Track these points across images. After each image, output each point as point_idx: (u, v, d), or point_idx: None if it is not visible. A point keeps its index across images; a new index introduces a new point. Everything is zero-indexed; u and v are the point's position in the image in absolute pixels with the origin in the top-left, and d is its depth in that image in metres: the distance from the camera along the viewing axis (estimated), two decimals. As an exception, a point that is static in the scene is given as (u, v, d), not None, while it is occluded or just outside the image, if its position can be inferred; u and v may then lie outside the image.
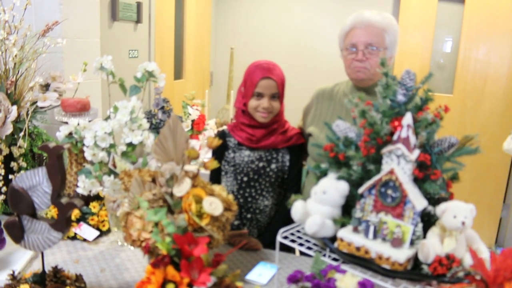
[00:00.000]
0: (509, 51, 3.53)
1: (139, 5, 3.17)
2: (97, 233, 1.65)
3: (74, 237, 1.64)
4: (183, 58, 4.06)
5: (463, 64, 3.68)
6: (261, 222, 1.75)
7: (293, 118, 1.88)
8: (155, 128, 2.39)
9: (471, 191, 3.74)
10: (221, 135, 1.76)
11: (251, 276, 1.45)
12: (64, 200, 1.16)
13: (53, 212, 1.62)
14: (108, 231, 1.70)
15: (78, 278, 1.26)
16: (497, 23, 3.54)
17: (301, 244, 1.24)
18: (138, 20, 3.19)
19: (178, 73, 4.00)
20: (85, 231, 1.64)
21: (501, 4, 3.52)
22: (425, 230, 1.09)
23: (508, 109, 3.58)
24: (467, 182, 3.75)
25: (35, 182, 1.16)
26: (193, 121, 3.17)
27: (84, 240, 1.63)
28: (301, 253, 1.71)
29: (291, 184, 1.74)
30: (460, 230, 1.05)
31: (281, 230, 1.27)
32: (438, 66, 3.91)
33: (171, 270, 0.97)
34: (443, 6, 3.76)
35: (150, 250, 1.11)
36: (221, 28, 4.72)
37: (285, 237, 1.27)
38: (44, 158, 1.83)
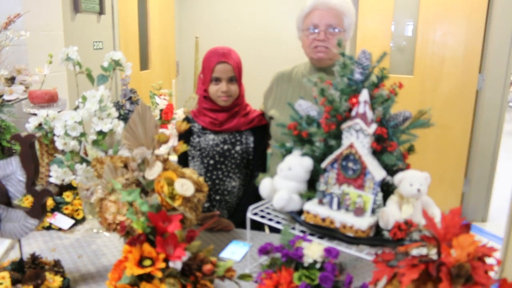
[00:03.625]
0: (464, 33, 3.67)
1: (101, -4, 3.16)
2: (72, 221, 1.67)
3: (49, 227, 1.66)
4: (148, 49, 4.06)
5: (421, 47, 3.81)
6: (230, 203, 1.81)
7: (258, 103, 1.94)
8: (124, 118, 2.40)
9: (433, 168, 3.88)
10: (186, 121, 1.81)
11: (225, 254, 1.51)
12: (38, 187, 1.19)
13: (27, 203, 1.63)
14: (83, 219, 1.72)
15: (56, 263, 1.29)
16: (453, 6, 3.66)
17: (270, 219, 1.30)
18: (101, 12, 3.17)
19: (144, 64, 4.00)
20: (60, 220, 1.66)
21: (456, -13, 3.66)
22: (385, 198, 1.17)
23: (465, 88, 3.73)
24: (429, 159, 3.90)
25: (9, 171, 1.18)
26: (161, 110, 3.19)
27: (60, 229, 1.66)
28: (271, 230, 1.79)
29: (257, 164, 1.80)
30: (416, 197, 1.13)
31: (251, 207, 1.33)
32: (398, 48, 4.03)
33: (147, 247, 1.02)
34: (400, -10, 3.87)
35: (126, 231, 1.16)
36: (185, 17, 4.72)
37: (255, 214, 1.34)
38: (14, 151, 1.84)
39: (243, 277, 1.08)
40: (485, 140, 3.74)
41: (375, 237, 1.13)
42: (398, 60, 4.01)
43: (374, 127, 1.15)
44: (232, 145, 1.76)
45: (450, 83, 3.77)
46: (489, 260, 0.87)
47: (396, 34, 4.01)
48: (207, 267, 1.04)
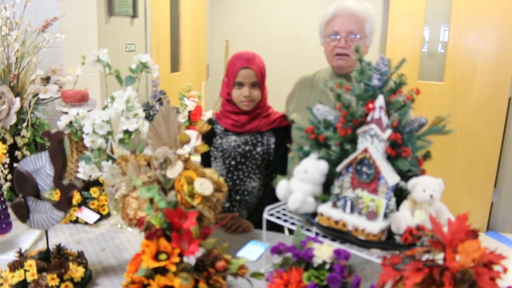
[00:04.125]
0: (497, 38, 3.60)
1: (135, 0, 3.25)
2: (97, 216, 1.74)
3: (76, 221, 1.74)
4: (180, 51, 4.15)
5: (452, 52, 3.76)
6: (249, 203, 1.84)
7: (283, 106, 1.98)
8: (153, 119, 2.48)
9: (462, 177, 3.83)
10: (209, 122, 1.86)
11: (242, 253, 1.55)
12: (65, 181, 1.26)
13: (56, 196, 1.71)
14: (108, 215, 1.80)
15: (80, 255, 1.36)
16: (485, 11, 3.61)
17: (285, 221, 1.34)
18: (134, 15, 3.27)
19: (174, 66, 4.08)
20: (86, 214, 1.73)
21: (489, -8, 3.60)
22: (398, 203, 1.18)
23: (497, 95, 3.66)
24: (459, 167, 3.83)
25: (39, 165, 1.26)
26: (190, 112, 3.27)
27: (86, 223, 1.73)
28: (290, 232, 1.82)
29: (276, 165, 1.83)
30: (429, 203, 1.14)
31: (267, 208, 1.37)
32: (428, 54, 3.99)
33: (163, 242, 1.06)
34: (432, -4, 3.84)
35: (146, 226, 1.21)
36: (216, 21, 4.80)
37: (271, 215, 1.37)
38: (46, 147, 1.93)
39: (255, 275, 1.11)
40: (516, 149, 3.66)
41: (387, 241, 1.15)
42: (428, 66, 3.97)
43: (388, 132, 1.17)
44: (253, 146, 1.80)
45: (482, 90, 3.71)
46: (497, 268, 0.88)
47: (426, 40, 3.97)
48: (220, 264, 1.08)
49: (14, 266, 1.24)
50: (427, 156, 1.29)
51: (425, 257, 0.96)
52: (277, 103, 1.95)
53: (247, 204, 1.84)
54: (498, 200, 3.79)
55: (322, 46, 1.80)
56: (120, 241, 1.63)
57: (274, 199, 1.46)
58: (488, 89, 3.69)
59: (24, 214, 1.27)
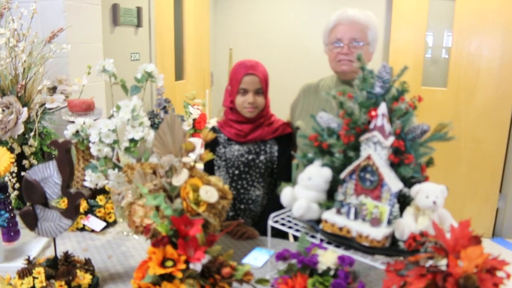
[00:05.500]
0: (500, 44, 3.62)
1: (139, 10, 3.28)
2: (104, 224, 1.76)
3: (83, 229, 1.76)
4: (184, 60, 4.18)
5: (456, 58, 3.77)
6: (254, 212, 1.86)
7: (287, 114, 1.99)
8: (158, 127, 2.50)
9: (467, 182, 3.83)
10: (213, 131, 1.87)
11: (247, 260, 1.56)
12: (72, 190, 1.27)
13: (63, 204, 1.73)
14: (114, 222, 1.82)
15: (87, 262, 1.37)
16: (487, 17, 3.62)
17: (290, 227, 1.35)
18: (139, 24, 3.30)
19: (179, 74, 4.12)
20: (93, 222, 1.75)
21: (491, -2, 3.62)
22: (402, 210, 1.19)
23: (501, 100, 3.67)
24: (463, 173, 3.83)
25: (47, 174, 1.28)
26: (194, 120, 3.29)
27: (92, 231, 1.75)
28: (295, 239, 1.82)
29: (281, 172, 1.84)
30: (432, 209, 1.15)
31: (272, 215, 1.38)
32: (432, 60, 4.00)
33: (169, 249, 1.08)
34: (434, 2, 3.85)
35: (152, 233, 1.22)
36: (219, 29, 4.84)
37: (276, 222, 1.38)
38: (53, 155, 1.95)
39: (260, 281, 1.12)
40: (521, 154, 3.66)
41: (390, 247, 1.16)
42: (431, 72, 3.98)
43: (391, 139, 1.18)
44: (257, 155, 1.81)
45: (485, 95, 3.72)
46: (500, 274, 0.89)
47: (429, 46, 3.99)
48: (226, 270, 1.09)
49: (23, 273, 1.26)
50: (430, 162, 1.30)
51: (428, 263, 0.97)
52: (280, 111, 1.96)
53: (252, 213, 1.85)
54: (504, 205, 3.79)
55: (326, 54, 1.82)
56: (127, 248, 1.64)
57: (279, 206, 1.47)
58: (492, 95, 3.70)
59: (32, 222, 1.29)
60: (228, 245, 1.68)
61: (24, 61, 1.84)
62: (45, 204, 1.30)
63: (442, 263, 0.95)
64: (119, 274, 1.46)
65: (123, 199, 1.51)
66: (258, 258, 1.57)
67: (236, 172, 1.82)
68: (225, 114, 1.87)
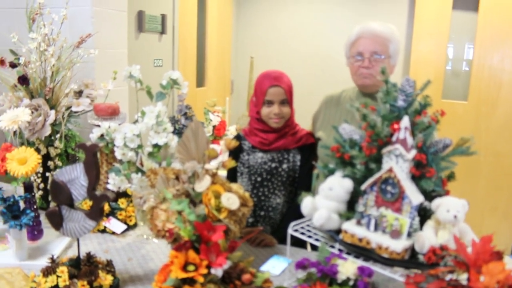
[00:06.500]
0: (523, 58, 3.59)
1: (163, 17, 3.34)
2: (124, 226, 1.80)
3: (104, 230, 1.79)
4: (205, 67, 4.23)
5: (477, 71, 3.75)
6: (273, 219, 1.87)
7: (309, 123, 2.01)
8: (178, 133, 2.53)
9: (485, 197, 3.78)
10: (237, 138, 1.89)
11: (265, 267, 1.57)
12: (98, 192, 1.31)
13: (85, 206, 1.77)
14: (135, 225, 1.85)
15: (109, 263, 1.40)
16: (510, 30, 3.60)
17: (309, 237, 1.36)
18: (163, 31, 3.36)
19: (200, 81, 4.16)
20: (114, 224, 1.79)
21: (515, 12, 3.60)
22: (422, 223, 1.20)
23: (523, 115, 3.64)
24: (482, 188, 3.79)
25: (74, 176, 1.31)
26: (214, 127, 3.32)
27: (113, 233, 1.79)
28: (312, 248, 1.83)
29: (301, 182, 1.85)
30: (452, 223, 1.15)
31: (292, 224, 1.39)
32: (452, 72, 3.98)
33: (192, 254, 1.10)
34: (457, 14, 3.84)
35: (174, 237, 1.25)
36: (241, 38, 4.88)
37: (296, 230, 1.39)
38: (77, 158, 2.00)
39: (280, 288, 1.14)
40: (542, 170, 3.61)
41: (410, 260, 1.16)
42: (452, 85, 3.96)
43: (413, 153, 1.19)
44: (280, 163, 1.83)
45: (507, 110, 3.68)
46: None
47: (449, 59, 3.97)
48: (246, 277, 1.11)
49: (47, 272, 1.29)
50: (451, 177, 1.30)
51: (448, 277, 0.98)
52: (302, 120, 1.98)
53: (271, 220, 1.87)
54: (523, 222, 3.73)
55: (347, 67, 1.84)
56: (146, 251, 1.67)
57: (299, 215, 1.48)
58: (513, 109, 3.66)
59: (58, 222, 1.32)
60: (247, 252, 1.70)
61: (53, 65, 1.89)
62: (71, 205, 1.33)
63: (462, 277, 0.95)
64: (139, 276, 1.48)
65: (144, 203, 1.54)
66: (276, 266, 1.58)
67: (259, 179, 1.84)
68: (250, 123, 1.89)
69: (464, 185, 3.72)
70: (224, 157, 2.84)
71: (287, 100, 1.79)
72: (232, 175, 1.89)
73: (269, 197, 1.85)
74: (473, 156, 1.25)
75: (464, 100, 3.84)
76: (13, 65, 1.90)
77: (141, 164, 1.57)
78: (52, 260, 1.35)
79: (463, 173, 3.66)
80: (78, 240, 1.36)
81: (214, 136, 3.27)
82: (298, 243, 1.57)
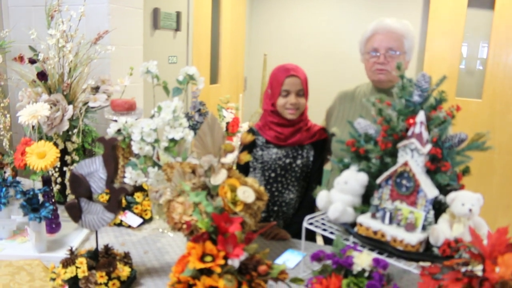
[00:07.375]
0: (539, 57, 3.56)
1: (178, 15, 3.37)
2: (140, 220, 1.82)
3: (120, 224, 1.82)
4: (219, 64, 4.25)
5: (492, 69, 3.72)
6: (286, 214, 1.88)
7: (322, 120, 2.02)
8: (192, 129, 2.56)
9: (499, 194, 3.76)
10: (250, 133, 1.90)
11: (279, 261, 1.58)
12: (116, 185, 1.33)
13: (103, 199, 1.80)
14: (150, 219, 1.87)
15: (126, 255, 1.43)
16: (527, 29, 3.57)
17: (324, 230, 1.37)
18: (178, 29, 3.39)
19: (213, 78, 4.19)
20: (130, 218, 1.81)
21: (531, 10, 3.56)
22: (437, 217, 1.21)
23: (538, 114, 3.61)
24: (496, 186, 3.77)
25: (93, 169, 1.34)
26: (227, 123, 3.33)
27: (129, 226, 1.81)
28: (325, 242, 1.84)
29: (314, 177, 1.87)
30: (467, 217, 1.16)
31: (307, 217, 1.40)
32: (467, 71, 3.96)
33: (209, 245, 1.12)
34: (472, 12, 3.82)
35: (191, 230, 1.27)
36: (254, 35, 4.90)
37: (310, 224, 1.41)
38: (94, 152, 2.03)
39: (295, 280, 1.15)
40: (558, 169, 3.58)
41: (425, 252, 1.17)
42: (466, 83, 3.94)
43: (429, 147, 1.19)
44: (294, 159, 1.84)
45: (522, 108, 3.66)
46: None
47: (463, 56, 3.94)
48: (262, 268, 1.12)
49: (67, 263, 1.32)
50: (466, 171, 1.30)
51: (463, 269, 0.98)
52: (315, 116, 1.99)
53: (284, 215, 1.88)
54: (538, 220, 3.70)
55: (362, 63, 1.84)
56: (162, 244, 1.69)
57: (311, 210, 1.50)
58: (528, 107, 3.63)
59: (77, 215, 1.35)
60: (261, 245, 1.71)
61: (71, 61, 1.92)
62: (90, 197, 1.36)
63: (477, 269, 0.96)
64: (155, 269, 1.51)
65: (160, 197, 1.57)
66: (290, 260, 1.59)
67: (272, 175, 1.85)
68: (264, 117, 1.89)
69: (478, 183, 3.70)
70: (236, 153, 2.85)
71: (303, 92, 1.80)
72: (245, 171, 1.90)
73: (282, 192, 1.86)
74: (487, 153, 1.26)
75: (479, 98, 3.81)
76: (32, 61, 1.94)
77: (158, 158, 1.59)
78: (71, 252, 1.38)
79: (477, 171, 3.63)
80: (96, 232, 1.39)
81: (227, 132, 3.29)
82: (309, 237, 1.58)
